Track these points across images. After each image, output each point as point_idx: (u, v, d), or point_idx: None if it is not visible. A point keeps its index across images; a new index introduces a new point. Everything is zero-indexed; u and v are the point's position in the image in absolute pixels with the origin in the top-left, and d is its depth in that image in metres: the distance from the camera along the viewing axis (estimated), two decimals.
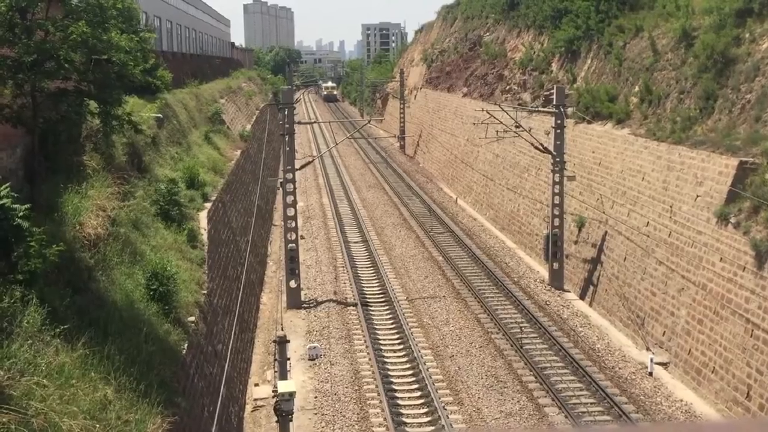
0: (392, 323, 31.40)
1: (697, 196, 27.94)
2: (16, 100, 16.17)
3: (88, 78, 17.20)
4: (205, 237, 25.49)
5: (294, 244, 34.52)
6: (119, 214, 19.15)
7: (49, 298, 12.75)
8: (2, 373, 9.87)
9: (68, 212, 16.42)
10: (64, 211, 16.35)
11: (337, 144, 51.79)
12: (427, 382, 25.18)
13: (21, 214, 12.67)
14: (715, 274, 25.65)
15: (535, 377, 25.84)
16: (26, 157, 17.55)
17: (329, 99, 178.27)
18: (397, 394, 24.83)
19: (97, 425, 10.70)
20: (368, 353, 27.99)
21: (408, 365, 27.15)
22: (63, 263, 13.92)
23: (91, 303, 14.46)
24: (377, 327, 30.98)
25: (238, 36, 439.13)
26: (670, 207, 29.53)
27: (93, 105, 18.31)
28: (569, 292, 35.79)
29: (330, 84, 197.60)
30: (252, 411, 24.34)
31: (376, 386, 25.19)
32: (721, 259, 25.55)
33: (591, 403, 23.96)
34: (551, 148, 36.02)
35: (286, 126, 34.78)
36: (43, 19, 15.88)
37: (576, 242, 37.14)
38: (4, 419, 8.88)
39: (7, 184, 12.91)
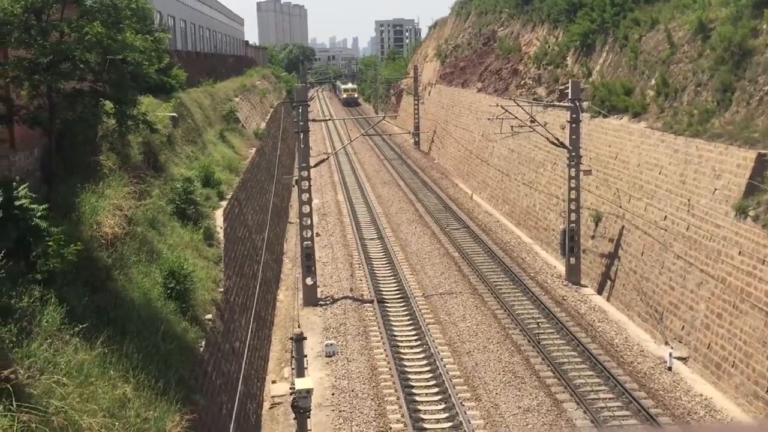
0: (409, 319, 31.38)
1: (715, 189, 27.69)
2: (33, 102, 16.26)
3: (103, 78, 17.28)
4: (221, 235, 25.58)
5: (310, 242, 34.58)
6: (136, 213, 19.25)
7: (68, 297, 12.84)
8: (22, 371, 9.94)
9: (85, 212, 16.52)
10: (82, 210, 16.45)
11: (351, 141, 51.79)
12: (444, 378, 25.15)
13: (39, 214, 12.76)
14: (734, 267, 25.43)
15: (553, 373, 25.74)
16: (43, 158, 17.67)
17: (349, 103, 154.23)
18: (414, 391, 24.82)
19: (117, 423, 10.76)
20: (385, 350, 27.99)
21: (425, 361, 27.13)
22: (81, 263, 14.01)
23: (109, 302, 14.55)
24: (394, 323, 30.98)
25: (251, 34, 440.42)
26: (688, 200, 29.29)
27: (108, 105, 18.39)
28: (586, 287, 35.61)
29: (350, 86, 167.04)
30: (270, 408, 24.42)
31: (393, 383, 25.20)
32: (740, 252, 25.32)
33: (610, 399, 23.84)
34: (567, 142, 35.84)
35: (301, 123, 34.81)
36: (58, 20, 15.96)
37: (593, 237, 36.95)
38: (24, 418, 8.94)
39: (25, 185, 13.00)
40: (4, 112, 15.83)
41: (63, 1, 16.00)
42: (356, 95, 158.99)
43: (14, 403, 8.95)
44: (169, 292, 17.40)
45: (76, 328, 11.93)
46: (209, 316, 19.32)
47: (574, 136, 35.41)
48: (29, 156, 17.26)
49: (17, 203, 12.50)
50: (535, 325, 29.63)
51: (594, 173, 36.42)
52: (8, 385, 9.15)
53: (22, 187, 12.83)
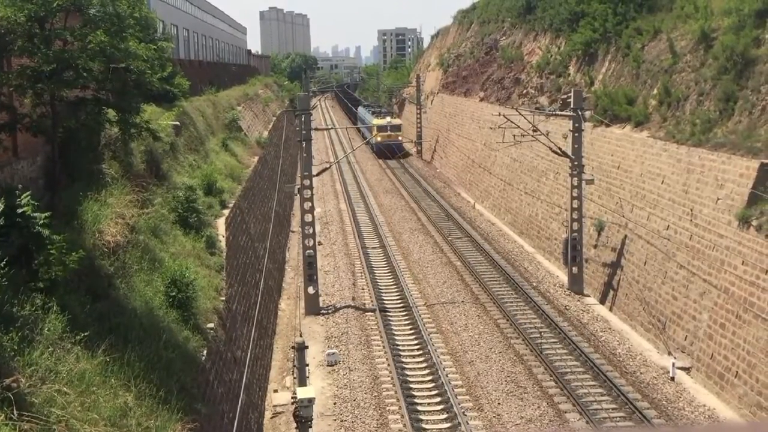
0: (411, 329, 31.30)
1: (718, 198, 27.65)
2: (36, 110, 16.31)
3: (106, 86, 17.34)
4: (223, 244, 25.55)
5: (312, 250, 34.54)
6: (138, 221, 19.24)
7: (70, 305, 12.82)
8: (24, 380, 9.91)
9: (88, 220, 16.52)
10: (84, 218, 16.45)
11: (354, 150, 51.84)
12: (446, 387, 25.07)
13: (41, 222, 12.76)
14: (737, 277, 25.36)
15: (556, 382, 25.65)
16: (46, 166, 17.69)
17: (388, 150, 79.73)
18: (416, 400, 24.74)
19: None
20: (387, 359, 27.92)
21: (427, 371, 27.04)
22: (83, 271, 14.00)
23: (111, 310, 14.53)
24: (396, 332, 30.90)
25: (254, 43, 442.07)
26: (691, 210, 29.25)
27: (111, 113, 18.44)
28: (589, 296, 35.53)
29: (389, 120, 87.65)
30: (271, 417, 24.34)
31: (395, 392, 25.12)
32: (743, 262, 25.26)
33: (612, 409, 23.74)
34: (569, 151, 35.82)
35: (303, 132, 34.84)
36: (61, 29, 16.01)
37: (595, 246, 36.88)
38: (26, 427, 8.91)
39: (28, 193, 13.00)
40: (7, 120, 15.86)
41: (66, 10, 16.05)
42: (401, 137, 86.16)
43: (15, 411, 8.92)
44: (171, 300, 17.38)
45: (78, 337, 11.91)
46: (211, 325, 19.28)
47: (576, 146, 35.40)
48: (32, 164, 17.28)
49: (20, 211, 12.50)
50: (538, 335, 29.54)
51: (596, 182, 36.39)
52: (10, 394, 9.12)
53: (24, 194, 12.83)
